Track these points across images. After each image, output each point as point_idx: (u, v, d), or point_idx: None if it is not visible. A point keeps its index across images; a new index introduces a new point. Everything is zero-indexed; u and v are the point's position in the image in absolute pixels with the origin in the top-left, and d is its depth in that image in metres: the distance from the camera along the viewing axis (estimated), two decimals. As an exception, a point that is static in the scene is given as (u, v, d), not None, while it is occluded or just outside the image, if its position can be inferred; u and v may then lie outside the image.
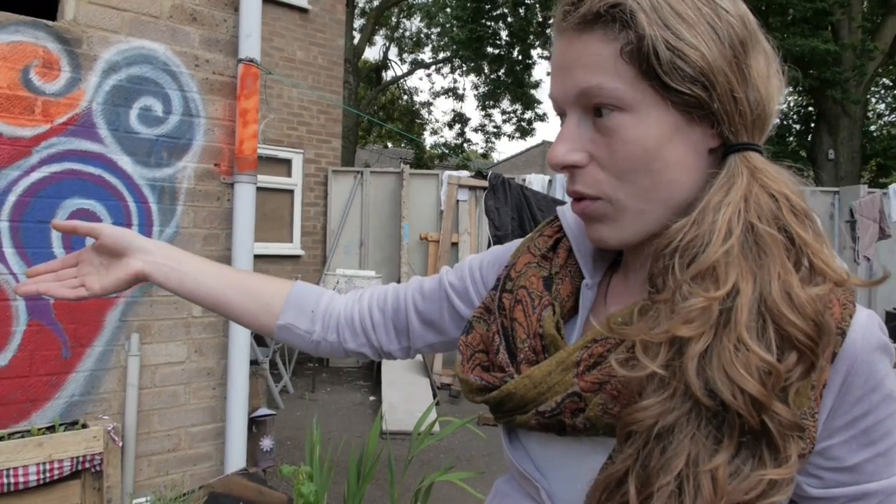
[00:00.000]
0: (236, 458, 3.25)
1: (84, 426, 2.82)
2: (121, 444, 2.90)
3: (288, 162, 8.08)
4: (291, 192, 8.10)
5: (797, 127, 16.33)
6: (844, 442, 0.60)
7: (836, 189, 8.91)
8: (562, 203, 6.10)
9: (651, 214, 0.63)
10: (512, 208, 4.54)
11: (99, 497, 2.77)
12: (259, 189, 3.38)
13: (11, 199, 2.69)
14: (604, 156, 0.63)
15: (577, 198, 0.66)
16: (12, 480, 2.52)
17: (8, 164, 2.68)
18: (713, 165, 0.63)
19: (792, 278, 0.56)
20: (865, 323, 0.61)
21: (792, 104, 17.30)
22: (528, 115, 17.54)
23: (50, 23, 2.79)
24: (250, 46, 3.24)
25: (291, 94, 7.99)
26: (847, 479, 0.61)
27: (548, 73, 15.61)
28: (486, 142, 19.80)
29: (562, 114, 0.67)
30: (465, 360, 0.75)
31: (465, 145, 20.24)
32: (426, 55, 21.43)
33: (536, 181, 7.88)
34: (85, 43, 2.86)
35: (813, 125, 14.45)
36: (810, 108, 15.31)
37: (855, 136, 12.61)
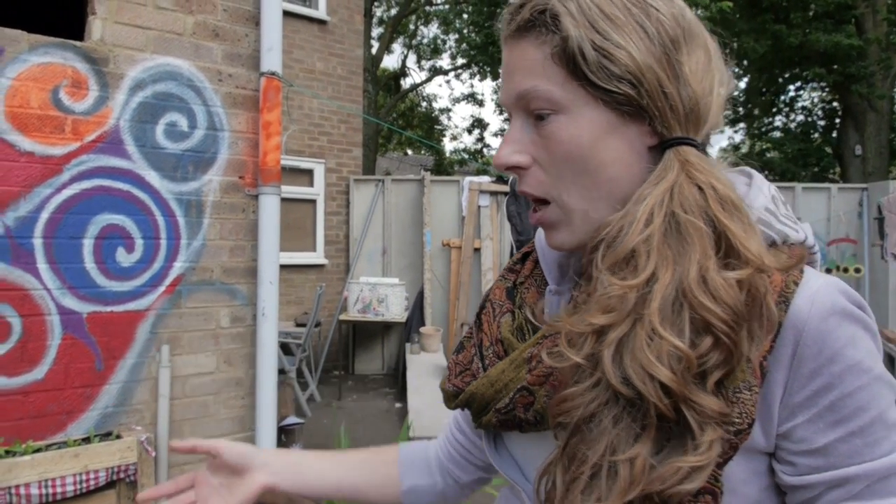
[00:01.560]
0: (266, 466, 3.27)
1: (118, 437, 2.87)
2: (154, 454, 2.95)
3: (310, 172, 8.16)
4: (314, 201, 8.17)
5: (822, 123, 16.06)
6: (809, 421, 0.57)
7: (864, 185, 8.73)
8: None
9: (597, 213, 0.64)
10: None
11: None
12: (282, 199, 3.43)
13: (44, 216, 2.76)
14: (544, 157, 0.65)
15: (530, 200, 0.69)
16: (50, 491, 2.57)
17: (40, 183, 2.75)
18: (654, 162, 0.63)
19: (710, 263, 0.55)
20: (817, 290, 0.58)
21: (816, 100, 17.01)
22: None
23: (78, 43, 2.86)
24: (272, 60, 3.29)
25: (312, 104, 8.06)
26: (821, 464, 0.57)
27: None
28: (507, 146, 19.78)
29: (509, 118, 0.70)
30: (452, 376, 0.78)
31: (485, 150, 20.22)
32: (444, 61, 21.51)
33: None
34: (112, 62, 2.93)
35: (839, 121, 14.21)
36: (835, 104, 15.06)
37: (882, 131, 12.36)
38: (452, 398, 0.76)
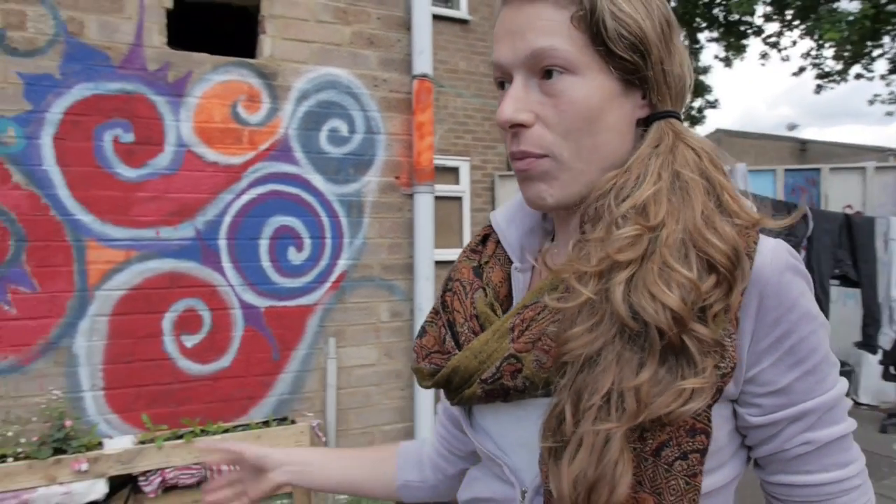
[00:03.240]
0: (425, 455, 3.40)
1: (293, 422, 3.11)
2: (324, 439, 3.16)
3: (455, 170, 8.32)
4: (460, 198, 8.32)
5: None
6: (773, 365, 0.63)
7: None
8: (745, 194, 5.68)
9: (587, 175, 0.68)
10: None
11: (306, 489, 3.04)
12: (436, 198, 3.53)
13: (227, 219, 3.04)
14: (550, 115, 0.67)
15: (521, 157, 0.70)
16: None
17: (224, 189, 3.04)
18: (637, 137, 0.70)
19: (713, 213, 0.62)
20: (773, 248, 0.64)
21: None
22: (698, 103, 16.58)
23: (252, 61, 3.13)
24: (423, 62, 3.39)
25: (456, 103, 8.22)
26: (784, 402, 0.63)
27: (715, 57, 14.60)
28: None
29: (506, 78, 0.71)
30: (420, 358, 0.80)
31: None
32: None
33: (712, 173, 7.39)
34: (280, 76, 3.17)
35: None
36: None
37: None
38: (429, 377, 0.77)
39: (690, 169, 0.65)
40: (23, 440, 2.55)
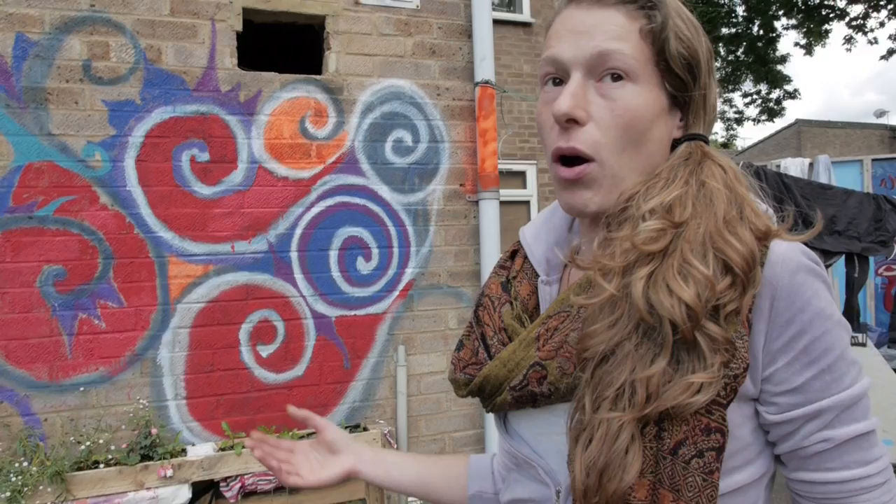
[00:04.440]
0: (496, 463, 3.38)
1: (365, 429, 3.16)
2: (395, 446, 3.19)
3: (522, 174, 8.27)
4: (527, 202, 8.27)
5: None
6: (788, 364, 0.65)
7: None
8: (830, 188, 5.38)
9: (627, 183, 0.71)
10: (770, 199, 4.10)
11: (380, 493, 3.08)
12: (501, 203, 3.51)
13: (298, 231, 3.13)
14: (605, 117, 0.70)
15: (570, 162, 0.72)
16: (313, 475, 2.90)
17: (294, 203, 3.12)
18: (669, 154, 0.74)
19: (734, 220, 0.66)
20: (784, 251, 0.66)
21: None
22: (776, 93, 15.84)
23: (318, 77, 3.21)
24: (485, 69, 3.39)
25: (521, 107, 8.18)
26: (800, 400, 0.65)
27: (795, 45, 13.92)
28: (727, 129, 18.26)
29: (560, 75, 0.73)
30: (457, 370, 0.84)
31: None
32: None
33: (794, 166, 7.05)
34: (345, 90, 3.24)
35: None
36: None
37: None
38: (464, 386, 0.82)
39: (716, 180, 0.69)
40: (112, 447, 2.70)
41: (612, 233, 0.69)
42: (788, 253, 0.66)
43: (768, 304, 0.65)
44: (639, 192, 0.69)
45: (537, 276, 0.84)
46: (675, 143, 0.75)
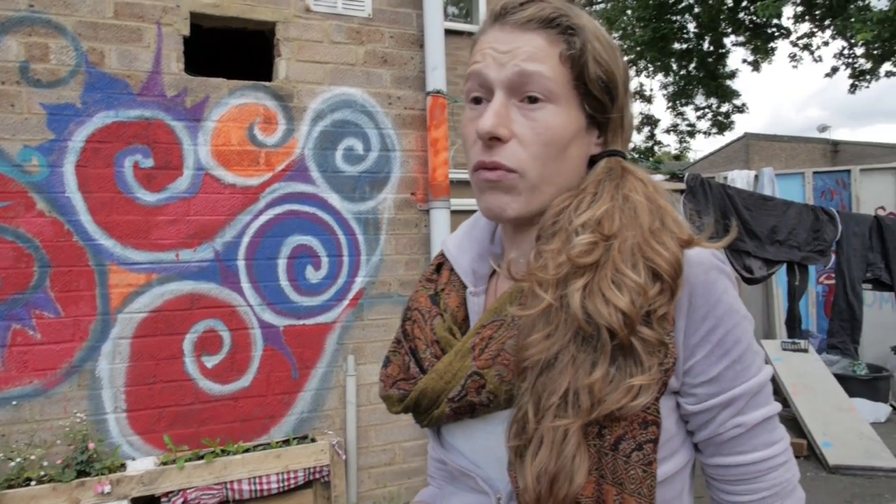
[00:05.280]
0: (447, 473, 3.37)
1: (313, 440, 3.12)
2: (344, 457, 3.16)
3: (478, 183, 8.31)
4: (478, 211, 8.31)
5: None
6: (705, 357, 0.70)
7: None
8: (770, 200, 5.56)
9: (545, 196, 0.75)
10: (715, 209, 4.21)
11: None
12: (452, 212, 3.52)
13: (245, 240, 3.08)
14: (527, 136, 0.73)
15: (493, 167, 0.75)
16: (258, 487, 2.85)
17: (241, 211, 3.08)
18: (585, 171, 0.79)
19: (658, 230, 0.70)
20: (698, 252, 0.71)
21: None
22: (725, 107, 16.33)
23: (267, 83, 3.17)
24: (437, 78, 3.41)
25: (477, 117, 8.23)
26: (716, 390, 0.71)
27: (743, 61, 14.32)
28: (680, 142, 18.72)
29: (482, 93, 0.76)
30: (387, 386, 0.84)
31: (656, 148, 19.32)
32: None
33: (740, 178, 7.25)
34: (296, 97, 3.21)
35: None
36: None
37: None
38: (398, 402, 0.82)
39: (638, 194, 0.74)
40: (46, 463, 2.60)
41: (543, 245, 0.72)
42: (702, 254, 0.71)
43: (686, 300, 0.70)
44: (568, 206, 0.73)
45: (465, 287, 0.86)
46: (594, 159, 0.79)
